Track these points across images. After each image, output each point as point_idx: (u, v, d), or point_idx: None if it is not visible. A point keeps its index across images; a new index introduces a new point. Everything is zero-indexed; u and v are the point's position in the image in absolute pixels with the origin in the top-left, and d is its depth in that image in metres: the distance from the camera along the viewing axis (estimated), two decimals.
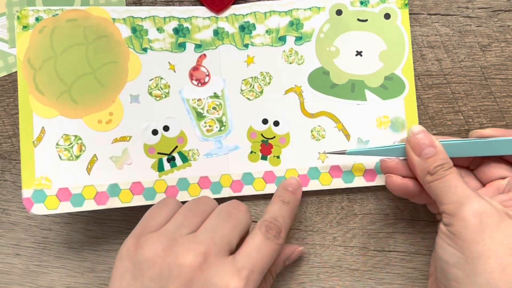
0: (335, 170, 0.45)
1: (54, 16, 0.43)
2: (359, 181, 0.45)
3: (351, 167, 0.45)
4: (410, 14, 0.46)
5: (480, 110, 0.47)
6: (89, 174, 0.43)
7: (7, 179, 0.48)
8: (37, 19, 0.43)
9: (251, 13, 0.46)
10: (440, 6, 0.47)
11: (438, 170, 0.38)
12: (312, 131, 0.46)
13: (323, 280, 0.48)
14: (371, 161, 0.45)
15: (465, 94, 0.47)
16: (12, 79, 0.47)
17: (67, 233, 0.48)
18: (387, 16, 0.46)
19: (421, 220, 0.48)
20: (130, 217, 0.47)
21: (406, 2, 0.45)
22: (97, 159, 0.44)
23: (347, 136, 0.46)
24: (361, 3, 0.45)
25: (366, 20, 0.46)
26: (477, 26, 0.47)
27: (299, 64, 0.46)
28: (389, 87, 0.46)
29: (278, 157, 0.46)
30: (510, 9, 0.47)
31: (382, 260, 0.48)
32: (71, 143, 0.43)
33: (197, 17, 0.45)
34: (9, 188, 0.47)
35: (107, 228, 0.48)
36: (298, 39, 0.46)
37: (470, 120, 0.47)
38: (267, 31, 0.46)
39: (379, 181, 0.45)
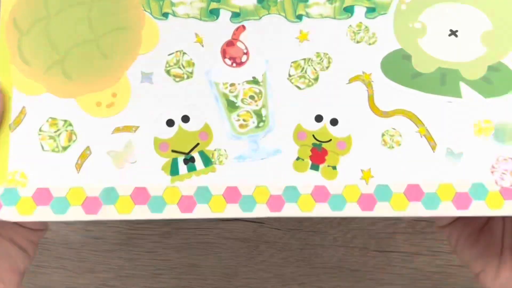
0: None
1: None
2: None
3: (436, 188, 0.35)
4: None
5: None
6: (78, 172, 0.34)
7: None
8: None
9: None
10: None
11: None
12: (383, 135, 0.36)
13: (324, 281, 0.49)
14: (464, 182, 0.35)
15: None
16: None
17: (66, 233, 0.48)
18: None
19: (422, 221, 0.48)
20: None
21: None
22: (90, 153, 0.35)
23: (433, 145, 0.35)
24: None
25: None
26: None
27: (370, 44, 0.36)
28: (494, 81, 0.35)
29: (334, 167, 0.36)
30: None
31: (383, 260, 0.48)
32: (58, 130, 0.35)
33: None
34: None
35: (106, 228, 0.48)
36: (370, 10, 0.36)
37: None
38: None
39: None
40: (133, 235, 0.47)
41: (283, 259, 0.49)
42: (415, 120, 0.36)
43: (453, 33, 0.36)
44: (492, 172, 0.35)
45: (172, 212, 0.35)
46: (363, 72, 0.36)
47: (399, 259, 0.48)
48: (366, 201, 0.35)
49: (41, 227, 0.40)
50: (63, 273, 0.49)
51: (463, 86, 0.36)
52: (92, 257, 0.49)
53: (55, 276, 0.49)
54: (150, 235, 0.52)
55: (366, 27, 0.36)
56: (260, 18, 0.36)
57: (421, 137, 0.36)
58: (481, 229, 0.40)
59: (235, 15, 0.36)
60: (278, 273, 0.49)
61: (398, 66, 0.36)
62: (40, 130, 0.34)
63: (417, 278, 0.49)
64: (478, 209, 0.35)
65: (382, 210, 0.35)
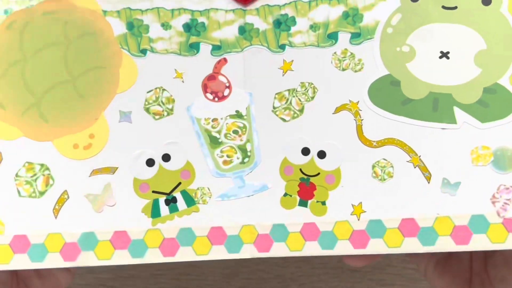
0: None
1: (28, 7, 0.35)
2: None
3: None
4: None
5: None
6: (56, 218, 0.33)
7: None
8: (5, 12, 0.35)
9: (290, 2, 0.35)
10: None
11: None
12: (374, 166, 0.34)
13: (324, 281, 0.49)
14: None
15: None
16: None
17: None
18: (486, 1, 0.33)
19: None
20: None
21: None
22: (68, 197, 0.33)
23: (427, 175, 0.33)
24: None
25: (455, 8, 0.34)
26: None
27: (356, 71, 0.34)
28: (490, 104, 0.33)
29: (323, 203, 0.34)
30: None
31: (383, 261, 0.49)
32: (35, 174, 0.34)
33: (217, 9, 0.36)
34: None
35: None
36: (356, 36, 0.35)
37: None
38: (311, 27, 0.35)
39: None
40: None
41: (283, 259, 0.49)
42: (407, 149, 0.34)
43: (444, 55, 0.34)
44: (493, 202, 0.32)
45: (154, 256, 0.33)
46: (350, 101, 0.34)
47: (399, 259, 0.48)
48: (359, 238, 0.33)
49: None
50: None
51: (457, 111, 0.33)
52: None
53: None
54: None
55: (351, 53, 0.35)
56: (242, 49, 0.35)
57: (415, 167, 0.33)
58: (448, 257, 0.38)
59: (216, 48, 0.35)
60: (278, 273, 0.48)
61: (386, 93, 0.34)
62: (16, 175, 0.34)
63: (417, 278, 0.48)
64: (479, 243, 0.32)
65: (376, 247, 0.33)
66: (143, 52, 0.35)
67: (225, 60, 0.35)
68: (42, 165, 0.34)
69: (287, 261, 0.50)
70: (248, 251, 0.34)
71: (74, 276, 0.41)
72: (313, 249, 0.34)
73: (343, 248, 0.33)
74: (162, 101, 0.35)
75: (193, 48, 0.35)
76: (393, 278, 0.50)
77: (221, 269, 0.52)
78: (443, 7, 0.34)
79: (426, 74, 0.34)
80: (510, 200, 0.32)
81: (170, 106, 0.35)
